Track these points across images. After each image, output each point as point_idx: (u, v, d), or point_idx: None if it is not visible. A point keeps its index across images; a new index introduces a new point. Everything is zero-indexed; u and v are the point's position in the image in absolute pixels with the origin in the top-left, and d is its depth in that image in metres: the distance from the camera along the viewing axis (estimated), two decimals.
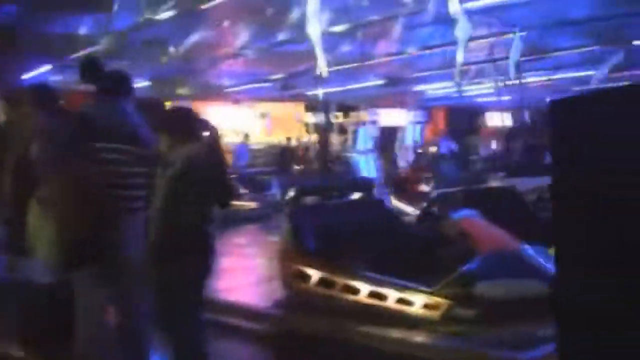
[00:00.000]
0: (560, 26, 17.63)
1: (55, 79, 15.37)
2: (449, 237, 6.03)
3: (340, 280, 5.94)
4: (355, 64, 19.94)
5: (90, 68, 4.96)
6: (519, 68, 20.59)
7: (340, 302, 5.93)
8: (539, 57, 20.36)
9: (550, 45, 19.14)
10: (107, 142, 4.62)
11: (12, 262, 4.90)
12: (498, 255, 5.61)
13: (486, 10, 16.62)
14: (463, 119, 29.53)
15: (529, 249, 5.75)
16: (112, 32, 12.02)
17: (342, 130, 24.72)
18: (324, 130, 22.66)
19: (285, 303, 6.49)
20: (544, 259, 5.66)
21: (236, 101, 23.69)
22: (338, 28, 17.42)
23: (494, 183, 9.96)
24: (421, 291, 5.49)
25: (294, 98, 23.67)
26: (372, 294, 5.71)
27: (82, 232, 4.27)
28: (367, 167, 23.19)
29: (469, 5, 10.13)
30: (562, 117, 2.97)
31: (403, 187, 17.59)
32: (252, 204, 16.93)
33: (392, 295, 5.58)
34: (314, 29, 9.90)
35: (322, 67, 10.48)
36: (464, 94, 25.90)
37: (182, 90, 20.11)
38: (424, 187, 16.27)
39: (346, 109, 24.70)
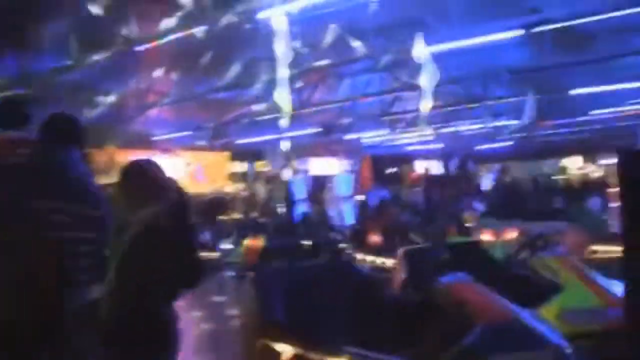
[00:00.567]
0: (496, 75, 17.56)
1: None
2: (439, 306, 5.28)
3: (318, 357, 5.11)
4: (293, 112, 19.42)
5: (11, 111, 4.12)
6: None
7: None
8: (473, 105, 20.23)
9: (485, 94, 19.03)
10: (48, 200, 3.75)
11: None
12: (500, 326, 4.91)
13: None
14: (389, 168, 29.29)
15: (528, 316, 5.09)
16: (35, 74, 11.07)
17: (270, 179, 24.06)
18: (257, 180, 21.99)
19: None
20: (541, 325, 5.03)
21: (165, 150, 22.77)
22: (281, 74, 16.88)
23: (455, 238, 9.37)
24: None
25: (224, 147, 22.92)
26: None
27: (17, 313, 3.42)
28: (299, 216, 22.54)
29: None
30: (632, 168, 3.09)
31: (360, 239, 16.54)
32: None
33: None
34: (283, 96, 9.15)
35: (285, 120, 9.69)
36: (396, 142, 25.72)
37: (110, 139, 19.14)
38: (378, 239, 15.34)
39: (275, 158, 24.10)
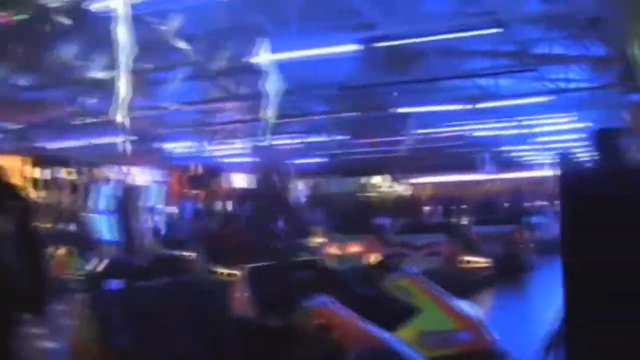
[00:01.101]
0: (315, 90, 17.48)
1: None
2: (302, 331, 4.78)
3: None
4: (102, 118, 18.31)
5: None
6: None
7: None
8: (290, 120, 20.09)
9: (303, 109, 18.96)
10: None
11: None
12: (370, 352, 4.50)
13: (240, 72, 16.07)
14: (200, 180, 28.51)
15: (397, 342, 4.74)
16: None
17: (76, 187, 22.58)
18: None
19: None
20: (409, 351, 4.69)
21: None
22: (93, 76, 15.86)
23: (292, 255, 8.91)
24: None
25: (25, 151, 21.20)
26: None
27: None
28: (108, 228, 21.31)
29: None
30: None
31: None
32: None
33: None
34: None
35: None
36: (212, 154, 25.14)
37: None
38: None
39: (83, 165, 22.66)
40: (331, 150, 25.75)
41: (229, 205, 27.49)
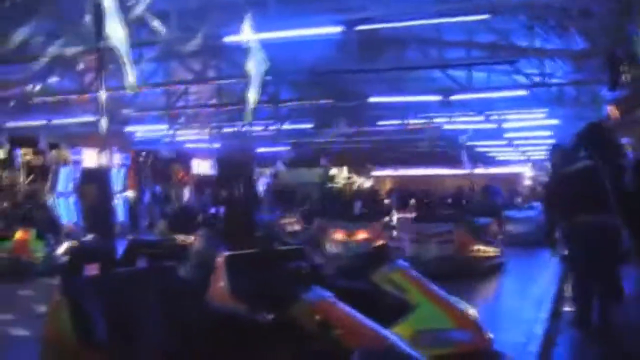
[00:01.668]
0: (292, 77, 17.08)
1: None
2: (300, 327, 4.40)
3: None
4: (64, 97, 17.72)
5: None
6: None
7: None
8: (265, 106, 19.64)
9: (278, 96, 18.51)
10: None
11: None
12: (375, 353, 4.15)
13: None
14: (160, 165, 27.95)
15: (401, 342, 4.39)
16: None
17: (37, 168, 21.85)
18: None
19: None
20: (412, 351, 4.35)
21: None
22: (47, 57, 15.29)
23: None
24: None
25: None
26: None
27: None
28: (67, 210, 20.76)
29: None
30: None
31: None
32: None
33: None
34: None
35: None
36: (176, 139, 24.60)
37: None
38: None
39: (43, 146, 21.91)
40: (299, 139, 25.37)
41: (196, 191, 27.12)
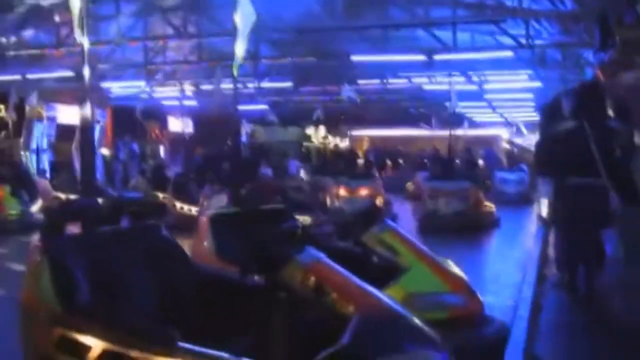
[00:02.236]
0: (273, 34, 16.79)
1: None
2: (293, 290, 4.22)
3: (142, 356, 3.87)
4: (39, 51, 17.31)
5: None
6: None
7: None
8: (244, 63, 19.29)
9: (257, 53, 18.16)
10: None
11: None
12: (378, 319, 3.99)
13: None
14: (132, 122, 27.43)
15: (401, 307, 4.24)
16: None
17: (5, 125, 21.37)
18: None
19: None
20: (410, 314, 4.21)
21: None
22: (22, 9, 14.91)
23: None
24: None
25: None
26: None
27: None
28: (43, 167, 20.44)
29: None
30: None
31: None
32: None
33: None
34: None
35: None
36: (152, 96, 24.19)
37: None
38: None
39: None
40: (280, 97, 25.06)
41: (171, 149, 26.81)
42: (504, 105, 28.99)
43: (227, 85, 23.10)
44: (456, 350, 4.05)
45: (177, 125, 28.99)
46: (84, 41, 7.54)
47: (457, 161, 23.46)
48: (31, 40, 17.04)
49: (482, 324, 5.73)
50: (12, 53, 17.00)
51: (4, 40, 16.64)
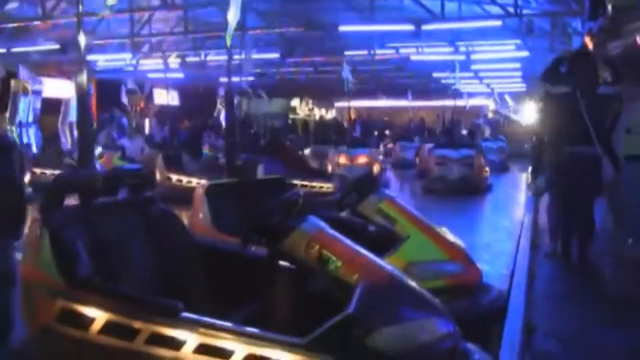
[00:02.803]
0: (259, 5, 16.67)
1: None
2: (297, 260, 4.24)
3: (146, 326, 3.88)
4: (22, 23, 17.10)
5: None
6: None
7: None
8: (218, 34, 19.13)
9: (244, 24, 17.98)
10: None
11: None
12: (381, 288, 4.01)
13: None
14: (115, 95, 27.19)
15: (404, 276, 4.26)
16: None
17: None
18: None
19: None
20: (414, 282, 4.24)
21: None
22: None
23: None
24: (286, 344, 3.70)
25: None
26: (204, 349, 3.78)
27: None
28: (27, 141, 20.25)
29: None
30: None
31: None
32: None
33: (239, 351, 3.72)
34: None
35: None
36: (138, 69, 23.98)
37: None
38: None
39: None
40: (264, 69, 24.88)
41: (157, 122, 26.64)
42: (491, 76, 28.97)
43: (213, 57, 23.05)
44: (455, 318, 4.08)
45: (163, 98, 28.74)
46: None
47: (464, 132, 25.05)
48: (15, 12, 16.83)
49: (481, 292, 5.78)
50: None
51: None
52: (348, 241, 4.35)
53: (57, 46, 17.72)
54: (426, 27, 16.27)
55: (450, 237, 6.17)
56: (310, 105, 40.81)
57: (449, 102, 28.14)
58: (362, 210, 6.36)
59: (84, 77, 7.75)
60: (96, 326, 3.96)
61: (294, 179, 12.99)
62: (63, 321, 4.06)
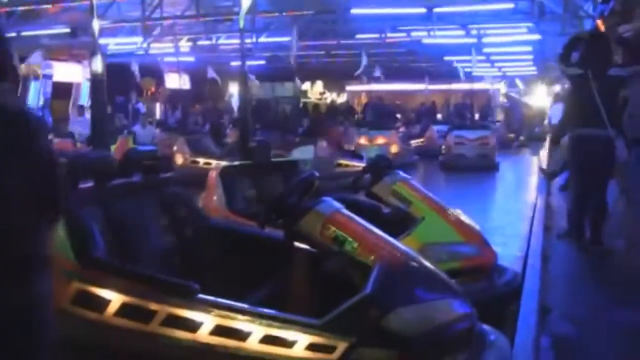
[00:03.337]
0: None
1: None
2: (313, 241, 4.22)
3: (162, 308, 3.87)
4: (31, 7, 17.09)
5: None
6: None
7: (164, 343, 3.89)
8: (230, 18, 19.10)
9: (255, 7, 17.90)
10: None
11: None
12: (398, 269, 4.00)
13: None
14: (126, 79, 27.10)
15: (420, 257, 4.24)
16: None
17: None
18: None
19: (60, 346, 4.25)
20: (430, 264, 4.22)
21: None
22: None
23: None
24: (302, 325, 3.69)
25: None
26: (220, 330, 3.78)
27: None
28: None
29: None
30: None
31: None
32: None
33: (256, 332, 3.72)
34: None
35: None
36: (149, 52, 23.91)
37: None
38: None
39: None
40: (276, 52, 24.78)
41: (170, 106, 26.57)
42: (502, 59, 28.84)
43: (224, 41, 22.99)
44: (471, 300, 4.07)
45: (174, 82, 28.70)
46: None
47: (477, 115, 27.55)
48: None
49: (496, 274, 5.76)
50: (5, 10, 16.78)
51: None
52: (364, 222, 4.33)
53: (67, 30, 17.67)
54: (438, 10, 16.19)
55: (465, 218, 6.15)
56: (322, 89, 40.68)
57: (462, 86, 28.37)
58: (376, 191, 6.34)
59: (98, 61, 7.70)
60: (112, 308, 3.94)
61: (338, 158, 15.15)
62: (78, 303, 4.04)
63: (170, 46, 23.46)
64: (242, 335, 3.72)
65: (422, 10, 16.03)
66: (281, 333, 3.68)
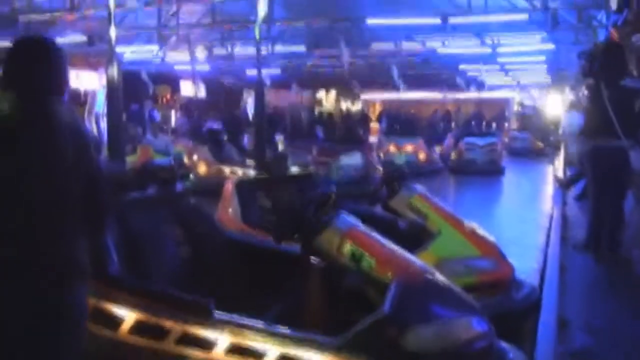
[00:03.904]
0: None
1: None
2: (330, 257, 4.19)
3: (176, 326, 3.84)
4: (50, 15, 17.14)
5: None
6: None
7: None
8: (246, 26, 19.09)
9: (271, 16, 17.91)
10: None
11: None
12: (416, 286, 3.96)
13: None
14: (140, 87, 27.11)
15: (438, 274, 4.20)
16: None
17: None
18: None
19: None
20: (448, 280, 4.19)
21: None
22: None
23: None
24: (319, 344, 3.66)
25: None
26: (235, 349, 3.75)
27: None
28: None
29: None
30: None
31: None
32: None
33: (271, 352, 3.69)
34: None
35: None
36: (165, 60, 23.95)
37: None
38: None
39: None
40: (291, 61, 24.79)
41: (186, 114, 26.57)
42: (516, 69, 28.76)
43: (240, 50, 22.99)
44: (488, 315, 4.03)
45: (189, 90, 28.75)
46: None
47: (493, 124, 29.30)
48: (42, 4, 16.88)
49: (514, 288, 5.72)
50: (23, 18, 16.83)
51: (15, 4, 16.50)
52: (381, 238, 4.30)
53: (84, 38, 17.73)
54: (453, 21, 16.16)
55: (482, 232, 6.11)
56: (336, 97, 40.70)
57: (479, 94, 28.67)
58: (393, 205, 6.31)
59: (114, 70, 7.72)
60: (126, 325, 3.92)
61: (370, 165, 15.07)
62: (93, 320, 4.01)
63: (186, 54, 23.47)
64: (257, 355, 3.69)
65: (437, 20, 15.94)
66: (297, 352, 3.65)
